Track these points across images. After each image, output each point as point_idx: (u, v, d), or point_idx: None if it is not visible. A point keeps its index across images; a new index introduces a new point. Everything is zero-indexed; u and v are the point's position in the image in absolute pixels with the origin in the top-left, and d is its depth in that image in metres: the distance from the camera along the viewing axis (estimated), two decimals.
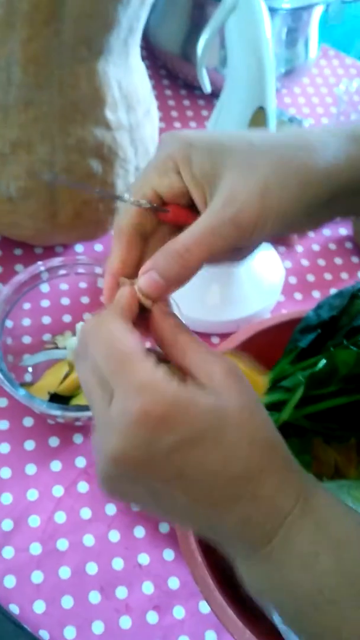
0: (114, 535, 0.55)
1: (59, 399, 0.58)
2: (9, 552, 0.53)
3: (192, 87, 0.93)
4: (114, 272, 0.34)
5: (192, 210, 0.34)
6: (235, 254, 0.36)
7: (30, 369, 0.61)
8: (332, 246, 0.80)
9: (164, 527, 0.56)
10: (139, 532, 0.55)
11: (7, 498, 0.55)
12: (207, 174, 0.33)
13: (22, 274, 0.60)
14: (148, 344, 0.35)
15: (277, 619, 0.43)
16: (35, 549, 0.53)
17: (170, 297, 0.35)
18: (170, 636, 0.51)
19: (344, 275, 0.77)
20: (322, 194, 0.32)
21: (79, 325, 0.63)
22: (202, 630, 0.52)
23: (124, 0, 0.53)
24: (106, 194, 0.41)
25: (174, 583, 0.53)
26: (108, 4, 0.53)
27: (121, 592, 0.52)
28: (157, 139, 0.69)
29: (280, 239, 0.76)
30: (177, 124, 0.89)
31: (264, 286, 0.70)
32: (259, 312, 0.69)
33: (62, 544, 0.54)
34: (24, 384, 0.59)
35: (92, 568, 0.53)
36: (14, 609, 0.51)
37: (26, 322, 0.64)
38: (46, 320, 0.65)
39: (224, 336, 0.68)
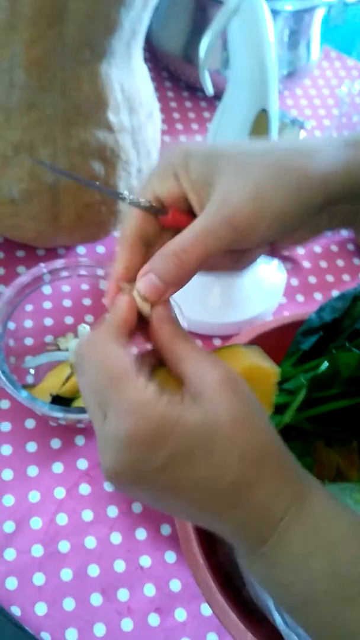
0: (116, 538, 0.55)
1: (61, 400, 0.58)
2: (10, 554, 0.53)
3: (194, 89, 0.93)
4: (116, 277, 0.35)
5: (192, 214, 0.35)
6: (236, 264, 0.36)
7: (32, 371, 0.61)
8: (334, 248, 0.80)
9: (166, 530, 0.56)
10: (141, 534, 0.55)
11: (9, 500, 0.55)
12: (203, 179, 0.33)
13: (25, 275, 0.60)
14: (149, 346, 0.35)
15: (278, 622, 0.43)
16: (37, 550, 0.53)
17: (172, 299, 0.36)
18: (172, 639, 0.51)
19: (346, 277, 0.77)
20: (317, 198, 0.33)
21: (81, 327, 0.63)
22: (203, 633, 0.52)
23: (126, 3, 0.53)
24: (106, 190, 0.42)
25: (175, 585, 0.53)
26: (111, 7, 0.53)
27: (123, 595, 0.52)
28: (159, 142, 0.69)
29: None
30: (179, 126, 0.89)
31: (265, 288, 0.70)
32: (261, 314, 0.69)
33: (64, 546, 0.54)
34: (26, 386, 0.59)
35: (93, 570, 0.53)
36: (16, 610, 0.51)
37: (28, 323, 0.64)
38: (48, 322, 0.65)
39: (225, 338, 0.68)
